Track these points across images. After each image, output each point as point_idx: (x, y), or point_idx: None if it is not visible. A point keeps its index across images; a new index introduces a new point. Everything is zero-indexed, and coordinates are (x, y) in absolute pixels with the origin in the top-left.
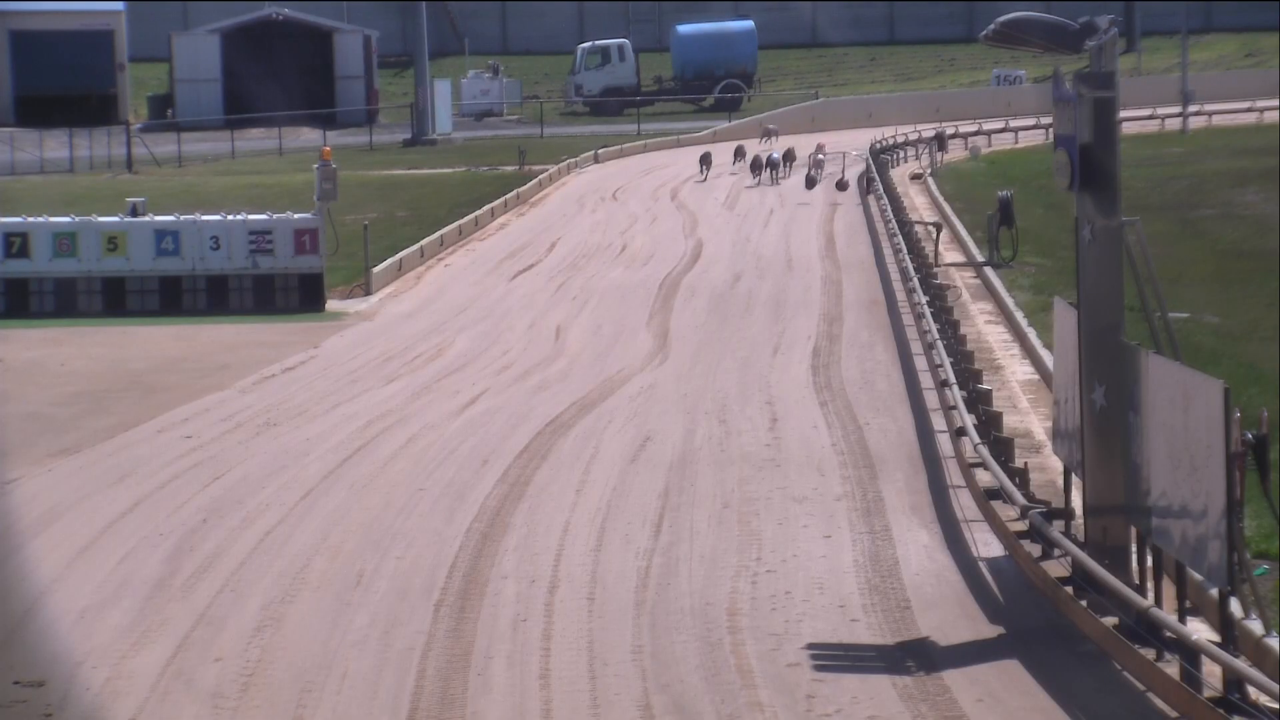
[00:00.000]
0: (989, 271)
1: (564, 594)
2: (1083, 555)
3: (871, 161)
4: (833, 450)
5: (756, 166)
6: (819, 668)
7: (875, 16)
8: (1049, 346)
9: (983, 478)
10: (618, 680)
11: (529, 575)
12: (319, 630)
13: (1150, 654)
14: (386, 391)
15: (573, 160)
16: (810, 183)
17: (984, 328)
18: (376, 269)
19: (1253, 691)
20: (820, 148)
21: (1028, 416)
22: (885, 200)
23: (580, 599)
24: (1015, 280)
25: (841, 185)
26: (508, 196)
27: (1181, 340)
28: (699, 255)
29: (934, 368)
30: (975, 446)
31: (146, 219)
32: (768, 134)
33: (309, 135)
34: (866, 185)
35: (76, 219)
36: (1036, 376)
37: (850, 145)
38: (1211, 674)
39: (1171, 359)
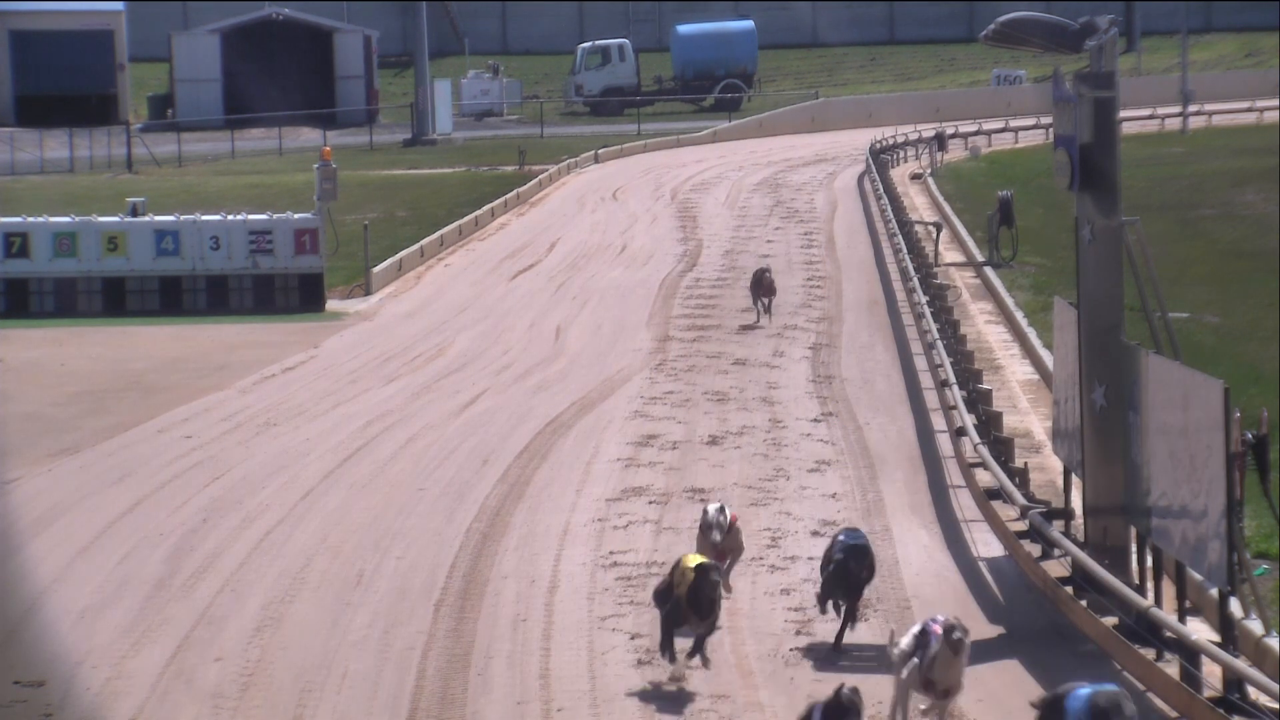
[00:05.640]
0: (989, 271)
1: (564, 594)
2: (1083, 555)
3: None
4: (833, 450)
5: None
6: (819, 668)
7: (875, 16)
8: (1049, 346)
9: (983, 478)
10: (618, 680)
11: (529, 575)
12: (319, 630)
13: (1150, 654)
14: (386, 391)
15: (573, 160)
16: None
17: (984, 328)
18: (376, 269)
19: (1253, 691)
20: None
21: (1028, 416)
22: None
23: (580, 599)
24: (1015, 280)
25: None
26: (508, 196)
27: (1181, 340)
28: (699, 255)
29: (934, 368)
30: (975, 446)
31: (146, 219)
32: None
33: (309, 135)
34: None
35: (76, 219)
36: (1036, 376)
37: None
38: (1211, 674)
39: (1171, 359)
